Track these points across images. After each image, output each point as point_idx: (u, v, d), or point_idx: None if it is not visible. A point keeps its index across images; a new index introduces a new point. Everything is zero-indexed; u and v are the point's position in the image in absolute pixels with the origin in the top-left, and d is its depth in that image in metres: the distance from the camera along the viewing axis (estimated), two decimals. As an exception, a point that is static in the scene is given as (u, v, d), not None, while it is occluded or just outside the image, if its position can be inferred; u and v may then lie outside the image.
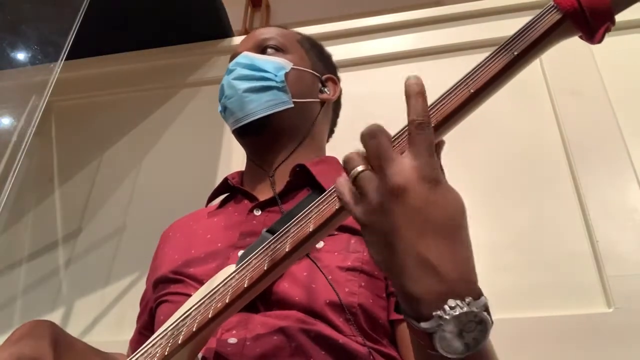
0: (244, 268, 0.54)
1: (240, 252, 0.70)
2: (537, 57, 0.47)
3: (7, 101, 1.38)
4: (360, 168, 0.44)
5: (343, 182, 0.46)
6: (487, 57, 0.47)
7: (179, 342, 0.53)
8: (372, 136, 0.44)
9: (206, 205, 0.89)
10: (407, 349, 0.65)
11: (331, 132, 1.00)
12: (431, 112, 0.46)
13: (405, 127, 0.47)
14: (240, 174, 0.91)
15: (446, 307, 0.39)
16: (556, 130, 1.29)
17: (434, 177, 0.42)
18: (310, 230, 0.49)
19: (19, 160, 1.07)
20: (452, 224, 0.42)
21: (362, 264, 0.67)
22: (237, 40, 1.66)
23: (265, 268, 0.50)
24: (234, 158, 1.41)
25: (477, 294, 0.41)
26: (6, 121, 1.33)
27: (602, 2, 0.44)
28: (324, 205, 0.50)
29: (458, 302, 0.39)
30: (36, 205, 1.54)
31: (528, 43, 0.46)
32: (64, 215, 1.50)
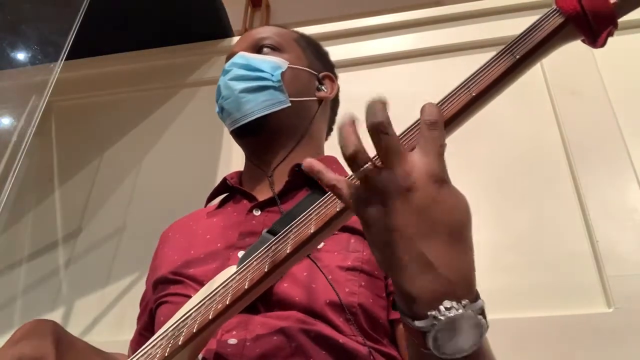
0: (244, 269, 0.54)
1: (240, 253, 0.70)
2: (539, 61, 0.47)
3: (7, 101, 1.38)
4: (371, 165, 0.43)
5: (342, 181, 0.46)
6: (489, 60, 0.47)
7: (180, 343, 0.53)
8: (383, 130, 0.42)
9: (205, 206, 0.89)
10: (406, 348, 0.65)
11: (330, 130, 0.99)
12: None
13: (412, 125, 0.47)
14: (239, 174, 0.91)
15: (441, 307, 0.39)
16: (556, 130, 1.29)
17: (442, 177, 0.42)
18: (312, 231, 0.48)
19: (19, 160, 1.07)
20: (456, 226, 0.42)
21: (362, 264, 0.67)
22: (237, 40, 1.67)
23: (266, 270, 0.50)
24: (234, 158, 1.41)
25: (474, 297, 0.41)
26: (6, 121, 1.33)
27: (605, 6, 0.43)
28: (325, 207, 0.50)
29: (454, 303, 0.39)
30: (36, 205, 1.54)
31: (530, 47, 0.46)
32: (64, 215, 1.50)
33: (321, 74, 0.93)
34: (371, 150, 0.44)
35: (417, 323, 0.40)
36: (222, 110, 0.86)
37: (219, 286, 0.55)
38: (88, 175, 1.56)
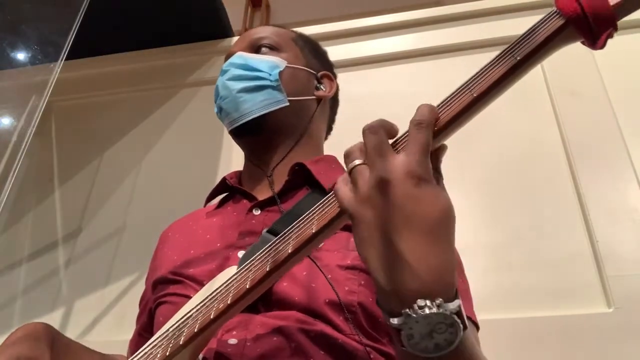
0: (245, 269, 0.54)
1: (240, 252, 0.70)
2: (540, 63, 0.47)
3: (7, 101, 1.38)
4: (357, 162, 0.45)
5: (341, 178, 0.47)
6: (490, 61, 0.47)
7: (180, 342, 0.53)
8: (372, 131, 0.45)
9: (204, 205, 0.89)
10: None
11: (329, 129, 1.00)
12: None
13: (406, 132, 0.47)
14: (238, 173, 0.91)
15: (415, 306, 0.39)
16: (556, 130, 1.29)
17: (421, 174, 0.43)
18: (313, 231, 0.49)
19: (19, 160, 1.07)
20: (433, 223, 0.42)
21: (361, 262, 0.67)
22: (236, 40, 1.67)
23: (267, 269, 0.50)
24: (234, 158, 1.41)
25: (450, 297, 0.41)
26: (6, 121, 1.33)
27: (605, 8, 0.44)
28: (326, 206, 0.50)
29: (427, 302, 0.39)
30: (36, 205, 1.54)
31: (531, 48, 0.46)
32: (64, 215, 1.50)
33: (320, 73, 0.93)
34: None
35: (392, 320, 0.40)
36: (220, 110, 0.86)
37: (220, 286, 0.55)
38: (88, 175, 1.56)
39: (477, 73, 0.47)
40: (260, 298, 0.59)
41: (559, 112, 1.30)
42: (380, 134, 0.45)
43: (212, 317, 0.52)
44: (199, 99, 1.63)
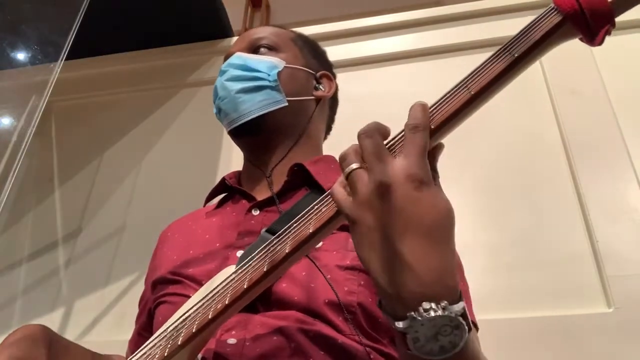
0: (243, 269, 0.54)
1: (239, 252, 0.70)
2: (537, 59, 0.47)
3: (7, 101, 1.38)
4: (353, 166, 0.45)
5: (338, 181, 0.47)
6: (487, 59, 0.47)
7: (179, 343, 0.53)
8: (368, 135, 0.45)
9: (204, 205, 0.89)
10: None
11: (328, 129, 0.99)
12: (431, 114, 0.47)
13: (401, 132, 0.47)
14: (238, 173, 0.91)
15: (420, 308, 0.39)
16: (556, 130, 1.29)
17: (421, 177, 0.43)
18: (310, 231, 0.49)
19: (19, 160, 1.07)
20: (434, 226, 0.42)
21: (360, 263, 0.67)
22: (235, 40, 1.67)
23: (265, 269, 0.50)
24: (234, 158, 1.41)
25: (454, 299, 0.41)
26: (6, 121, 1.33)
27: (603, 4, 0.43)
28: (324, 206, 0.50)
29: (432, 305, 0.39)
30: (36, 205, 1.54)
31: (528, 45, 0.46)
32: (64, 215, 1.50)
33: (318, 73, 0.93)
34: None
35: (397, 324, 0.40)
36: (219, 110, 0.86)
37: (218, 286, 0.55)
38: (88, 175, 1.56)
39: (474, 70, 0.47)
40: (259, 298, 0.59)
41: (559, 112, 1.30)
42: (376, 138, 0.45)
43: (210, 317, 0.52)
44: (199, 99, 1.63)
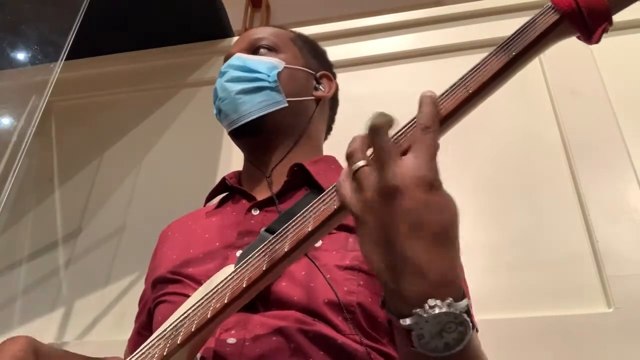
0: (242, 268, 0.54)
1: (239, 252, 0.70)
2: (535, 58, 0.47)
3: (7, 101, 1.38)
4: (361, 163, 0.44)
5: (344, 176, 0.47)
6: (485, 57, 0.47)
7: (178, 342, 0.53)
8: (377, 132, 0.44)
9: (204, 205, 0.89)
10: None
11: (329, 129, 0.99)
12: None
13: (408, 123, 0.47)
14: (238, 173, 0.91)
15: (426, 305, 0.40)
16: (556, 130, 1.29)
17: (431, 180, 0.43)
18: (309, 229, 0.49)
19: (19, 160, 1.07)
20: (442, 228, 0.42)
21: (360, 263, 0.67)
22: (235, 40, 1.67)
23: (264, 268, 0.50)
24: (234, 158, 1.41)
25: (459, 296, 0.41)
26: (6, 121, 1.33)
27: (600, 2, 0.44)
28: (322, 205, 0.50)
29: (438, 302, 0.40)
30: (36, 205, 1.54)
31: (526, 43, 0.46)
32: (64, 215, 1.50)
33: (318, 73, 0.93)
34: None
35: (402, 321, 0.40)
36: (219, 111, 0.86)
37: (217, 285, 0.55)
38: (88, 175, 1.56)
39: (472, 69, 0.47)
40: (258, 297, 0.59)
41: (559, 112, 1.30)
42: (386, 135, 0.44)
43: (209, 316, 0.52)
44: (199, 99, 1.63)
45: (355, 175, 0.45)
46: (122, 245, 1.40)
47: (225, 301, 0.51)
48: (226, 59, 0.90)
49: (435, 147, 0.44)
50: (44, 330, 1.29)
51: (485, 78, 0.46)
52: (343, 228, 0.70)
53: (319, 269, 0.64)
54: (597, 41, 0.45)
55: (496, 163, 1.27)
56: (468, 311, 0.41)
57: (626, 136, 1.22)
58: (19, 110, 1.23)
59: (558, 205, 1.18)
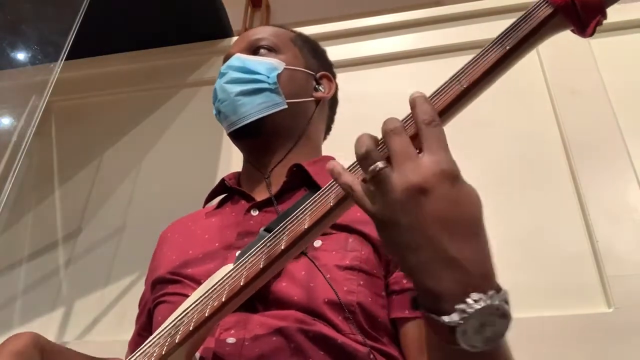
0: (240, 266, 0.54)
1: (238, 253, 0.70)
2: (530, 51, 0.47)
3: (7, 101, 1.38)
4: (380, 164, 0.43)
5: (351, 179, 0.46)
6: (480, 52, 0.47)
7: (177, 341, 0.53)
8: (396, 133, 0.44)
9: (203, 206, 0.89)
10: (411, 347, 0.65)
11: (328, 129, 0.99)
12: None
13: (405, 118, 0.47)
14: (237, 174, 0.91)
15: (469, 300, 0.39)
16: (556, 130, 1.29)
17: (454, 172, 0.43)
18: (305, 227, 0.49)
19: (19, 160, 1.07)
20: (471, 220, 0.42)
21: (360, 263, 0.67)
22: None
23: (261, 266, 0.51)
24: (234, 158, 1.41)
25: (498, 288, 0.41)
26: (6, 121, 1.33)
27: (593, -5, 0.44)
28: (318, 203, 0.50)
29: (481, 295, 0.40)
30: (36, 205, 1.54)
31: (520, 37, 0.46)
32: (64, 215, 1.50)
33: (318, 74, 0.93)
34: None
35: (445, 319, 0.40)
36: (219, 112, 0.86)
37: (215, 284, 0.55)
38: (88, 175, 1.56)
39: (467, 64, 0.47)
40: (258, 297, 0.60)
41: (559, 112, 1.30)
42: (404, 136, 0.44)
43: (207, 314, 0.52)
44: (199, 99, 1.63)
45: (376, 177, 0.43)
46: (122, 245, 1.41)
47: (223, 299, 0.52)
48: (226, 59, 0.90)
49: (445, 139, 0.44)
50: (44, 330, 1.28)
51: (479, 72, 0.46)
52: (342, 228, 0.70)
53: (319, 269, 0.65)
54: (591, 34, 0.45)
55: (496, 163, 1.26)
56: (508, 301, 0.41)
57: (626, 136, 1.22)
58: (19, 110, 1.23)
59: (558, 205, 1.18)
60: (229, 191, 0.88)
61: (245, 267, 0.53)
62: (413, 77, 1.49)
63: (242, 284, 0.51)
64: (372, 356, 0.61)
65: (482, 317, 0.40)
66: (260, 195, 0.81)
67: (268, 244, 0.52)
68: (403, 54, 1.54)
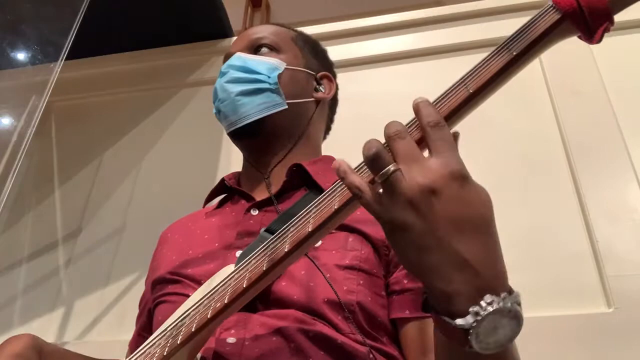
0: (243, 268, 0.54)
1: (238, 252, 0.70)
2: (536, 57, 0.47)
3: (7, 101, 1.38)
4: (392, 167, 0.42)
5: (359, 181, 0.45)
6: (486, 57, 0.47)
7: (178, 342, 0.53)
8: (400, 136, 0.44)
9: (203, 206, 0.89)
10: (412, 348, 0.65)
11: (328, 129, 0.99)
12: None
13: (410, 122, 0.47)
14: (237, 174, 0.91)
15: (482, 302, 0.39)
16: (556, 130, 1.29)
17: (463, 173, 0.43)
18: (309, 230, 0.49)
19: (19, 160, 1.07)
20: (482, 220, 0.42)
21: (360, 262, 0.67)
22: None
23: (264, 268, 0.50)
24: (234, 158, 1.41)
25: (510, 289, 0.41)
26: (6, 121, 1.33)
27: (601, 2, 0.44)
28: (322, 205, 0.49)
29: (494, 297, 0.39)
30: (36, 205, 1.54)
31: (527, 43, 0.46)
32: (64, 215, 1.50)
33: (319, 74, 0.92)
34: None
35: (459, 321, 0.39)
36: (218, 112, 0.86)
37: (217, 285, 0.55)
38: (88, 175, 1.56)
39: (473, 68, 0.47)
40: (258, 296, 0.59)
41: (559, 112, 1.30)
42: (408, 138, 0.44)
43: (209, 316, 0.52)
44: (199, 99, 1.63)
45: (387, 180, 0.42)
46: (122, 245, 1.41)
47: (226, 301, 0.51)
48: (226, 58, 0.90)
49: (452, 140, 0.44)
50: (44, 330, 1.29)
51: (486, 78, 0.45)
52: (342, 228, 0.70)
53: (319, 269, 0.64)
54: (599, 41, 0.45)
55: (496, 163, 1.26)
56: (520, 304, 0.41)
57: (626, 136, 1.22)
58: (19, 110, 1.23)
59: (558, 205, 1.18)
60: (228, 191, 0.88)
61: (248, 269, 0.53)
62: (413, 77, 1.49)
63: (244, 286, 0.51)
64: (371, 356, 0.61)
65: (495, 320, 0.39)
66: (260, 195, 0.81)
67: (271, 246, 0.52)
68: (403, 54, 1.55)
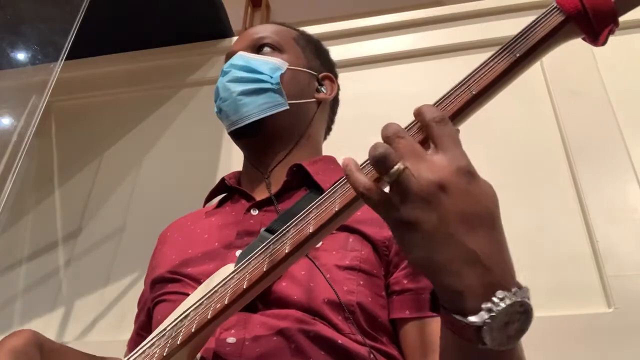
0: (243, 269, 0.54)
1: (238, 252, 0.70)
2: (540, 59, 0.46)
3: (7, 101, 1.38)
4: (401, 165, 0.42)
5: (366, 180, 0.44)
6: (489, 58, 0.46)
7: (178, 342, 0.53)
8: (399, 135, 0.43)
9: (203, 206, 0.89)
10: (412, 348, 0.65)
11: (328, 129, 0.99)
12: None
13: (410, 124, 0.46)
14: (238, 174, 0.91)
15: (494, 299, 0.39)
16: (556, 130, 1.29)
17: (469, 168, 0.42)
18: (310, 231, 0.48)
19: (19, 160, 1.07)
20: (489, 215, 0.42)
21: (360, 263, 0.67)
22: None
23: (264, 269, 0.50)
24: (234, 158, 1.41)
25: (519, 284, 0.41)
26: (6, 121, 1.33)
27: (606, 4, 0.43)
28: (323, 206, 0.49)
29: (506, 293, 0.39)
30: (36, 205, 1.54)
31: (530, 45, 0.45)
32: (64, 215, 1.50)
33: (321, 75, 0.92)
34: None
35: (472, 318, 0.39)
36: (220, 111, 0.86)
37: (217, 285, 0.55)
38: (88, 175, 1.56)
39: (475, 70, 0.46)
40: (258, 297, 0.59)
41: (559, 112, 1.30)
42: (409, 137, 0.43)
43: (209, 317, 0.52)
44: (199, 99, 1.63)
45: (398, 178, 0.42)
46: (122, 245, 1.40)
47: (226, 302, 0.51)
48: (228, 57, 0.90)
49: (456, 135, 0.44)
50: (43, 330, 1.27)
51: (489, 79, 0.45)
52: (343, 228, 0.70)
53: (319, 269, 0.64)
54: (604, 43, 0.44)
55: (496, 163, 1.26)
56: (529, 298, 0.41)
57: (626, 136, 1.22)
58: (19, 110, 1.23)
59: (558, 205, 1.18)
60: (229, 190, 0.88)
61: (248, 269, 0.53)
62: (413, 77, 1.49)
63: (245, 287, 0.51)
64: (372, 356, 0.61)
65: (508, 315, 0.39)
66: (261, 194, 0.81)
67: (271, 247, 0.52)
68: (403, 54, 1.54)
